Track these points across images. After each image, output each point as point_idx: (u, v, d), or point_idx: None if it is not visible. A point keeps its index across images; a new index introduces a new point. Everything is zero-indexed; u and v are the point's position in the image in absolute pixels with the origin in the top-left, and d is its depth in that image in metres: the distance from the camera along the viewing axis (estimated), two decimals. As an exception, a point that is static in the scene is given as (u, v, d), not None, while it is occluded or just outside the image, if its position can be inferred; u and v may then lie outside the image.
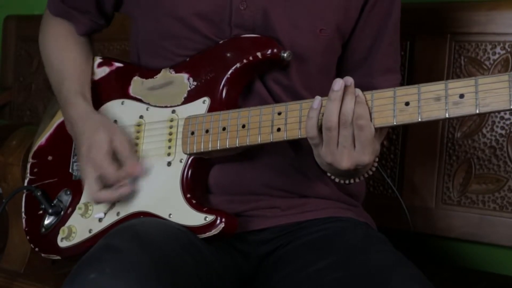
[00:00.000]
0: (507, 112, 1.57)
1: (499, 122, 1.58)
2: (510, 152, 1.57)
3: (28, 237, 1.40)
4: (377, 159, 1.17)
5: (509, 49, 1.57)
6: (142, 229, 1.11)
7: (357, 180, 1.20)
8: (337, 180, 1.21)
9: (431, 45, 1.65)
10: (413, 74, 1.67)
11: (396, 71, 1.36)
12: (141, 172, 1.24)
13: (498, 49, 1.58)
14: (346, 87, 1.06)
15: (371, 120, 1.06)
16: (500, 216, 1.58)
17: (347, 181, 1.21)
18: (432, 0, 1.71)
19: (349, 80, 1.07)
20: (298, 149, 1.27)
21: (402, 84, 1.55)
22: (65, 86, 1.32)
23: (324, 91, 1.24)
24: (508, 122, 1.57)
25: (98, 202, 1.25)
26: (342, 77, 1.32)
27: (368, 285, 1.07)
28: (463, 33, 1.62)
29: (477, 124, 1.60)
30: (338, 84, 1.06)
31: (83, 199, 1.31)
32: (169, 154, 1.24)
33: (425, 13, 1.67)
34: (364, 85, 1.12)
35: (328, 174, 1.21)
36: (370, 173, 1.20)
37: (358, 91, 1.07)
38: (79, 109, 1.29)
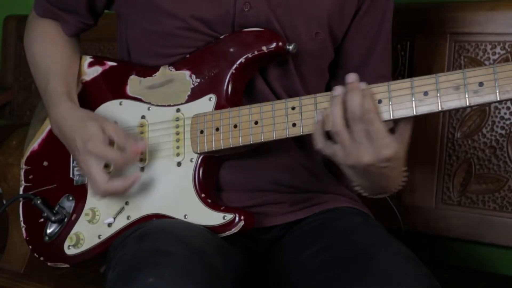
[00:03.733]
0: (507, 112, 1.57)
1: (499, 122, 1.58)
2: (510, 152, 1.57)
3: (30, 247, 1.36)
4: (405, 174, 1.17)
5: (509, 49, 1.57)
6: (178, 232, 1.11)
7: (385, 195, 1.20)
8: (365, 194, 1.20)
9: (431, 45, 1.65)
10: (413, 74, 1.66)
11: (389, 77, 1.37)
12: (144, 146, 1.21)
13: (498, 49, 1.58)
14: (349, 84, 1.06)
15: (386, 113, 1.05)
16: (500, 216, 1.58)
17: (377, 196, 1.20)
18: (432, 0, 1.71)
19: (352, 76, 1.06)
20: (304, 146, 1.28)
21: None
22: (49, 87, 1.29)
23: (319, 92, 1.24)
24: (508, 122, 1.57)
25: (109, 193, 1.20)
26: (338, 83, 1.33)
27: (355, 262, 1.09)
28: (463, 33, 1.62)
29: (477, 124, 1.60)
30: (338, 89, 1.07)
31: (88, 205, 1.29)
32: (178, 154, 1.22)
33: (425, 13, 1.67)
34: None
35: (358, 190, 1.20)
36: (403, 184, 1.19)
37: (364, 84, 1.06)
38: (62, 108, 1.25)
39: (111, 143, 1.20)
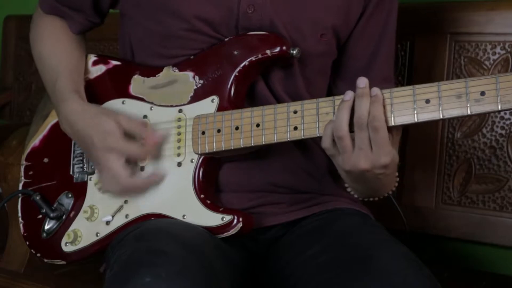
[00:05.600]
0: (507, 112, 1.57)
1: (499, 122, 1.58)
2: (510, 152, 1.57)
3: (27, 243, 1.36)
4: (397, 179, 1.18)
5: (509, 49, 1.57)
6: (176, 232, 1.11)
7: (376, 198, 1.22)
8: (356, 196, 1.22)
9: (431, 45, 1.65)
10: (413, 74, 1.67)
11: (392, 79, 1.37)
12: (161, 137, 1.22)
13: (498, 49, 1.58)
14: (360, 89, 1.06)
15: (389, 119, 1.06)
16: (500, 216, 1.58)
17: (368, 199, 1.23)
18: (432, 0, 1.71)
19: (363, 81, 1.06)
20: (304, 148, 1.28)
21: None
22: (59, 83, 1.29)
23: (322, 92, 1.24)
24: (508, 122, 1.57)
25: (130, 189, 1.21)
26: (344, 84, 1.31)
27: (355, 263, 1.09)
28: (463, 33, 1.62)
29: (477, 124, 1.60)
30: (348, 94, 1.07)
31: (87, 202, 1.29)
32: (179, 155, 1.23)
33: (425, 13, 1.67)
34: None
35: (352, 193, 1.23)
36: (393, 189, 1.20)
37: (377, 90, 1.06)
38: (74, 105, 1.25)
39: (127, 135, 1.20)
